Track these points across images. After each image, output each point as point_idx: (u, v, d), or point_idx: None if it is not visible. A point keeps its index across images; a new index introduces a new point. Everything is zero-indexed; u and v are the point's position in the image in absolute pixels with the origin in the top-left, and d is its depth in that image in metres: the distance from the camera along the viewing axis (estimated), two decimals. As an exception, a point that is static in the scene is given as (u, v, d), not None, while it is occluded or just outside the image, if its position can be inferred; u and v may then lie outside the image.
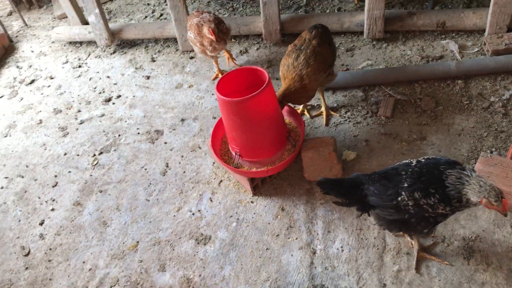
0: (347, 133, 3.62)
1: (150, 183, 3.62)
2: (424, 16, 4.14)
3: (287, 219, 3.19)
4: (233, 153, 3.33)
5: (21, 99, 4.64)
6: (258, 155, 3.24)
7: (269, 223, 3.19)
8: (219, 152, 3.43)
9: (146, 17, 5.33)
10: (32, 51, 5.25)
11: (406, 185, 2.41)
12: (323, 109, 3.77)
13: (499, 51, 3.88)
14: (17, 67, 5.06)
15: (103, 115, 4.26)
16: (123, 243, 3.27)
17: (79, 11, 5.20)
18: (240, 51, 4.60)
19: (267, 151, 3.23)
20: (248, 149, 3.22)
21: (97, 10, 4.65)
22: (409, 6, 4.61)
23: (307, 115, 3.83)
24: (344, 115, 3.76)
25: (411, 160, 2.54)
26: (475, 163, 3.12)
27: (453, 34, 4.23)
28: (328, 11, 4.78)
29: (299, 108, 3.82)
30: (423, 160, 2.49)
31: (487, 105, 3.58)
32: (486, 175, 2.90)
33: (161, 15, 5.31)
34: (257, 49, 4.57)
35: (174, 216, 3.37)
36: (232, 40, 4.73)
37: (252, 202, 3.33)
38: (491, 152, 3.25)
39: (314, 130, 3.71)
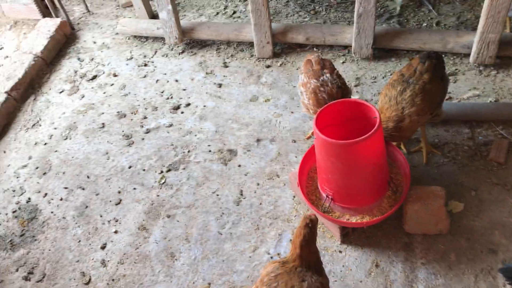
0: (452, 178, 3.15)
1: (223, 213, 3.26)
2: (546, 43, 3.57)
3: (382, 278, 2.78)
4: (324, 195, 2.92)
5: (82, 97, 4.34)
6: (354, 201, 2.82)
7: (361, 281, 2.79)
8: (305, 190, 3.03)
9: (217, 13, 4.91)
10: (94, 42, 4.92)
11: None
12: (422, 144, 3.30)
13: None
14: (78, 59, 4.75)
15: (171, 125, 3.91)
16: (193, 282, 2.94)
17: (147, 2, 4.85)
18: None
19: (366, 198, 2.81)
20: (344, 193, 2.81)
21: (170, 7, 4.25)
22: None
23: (403, 149, 3.37)
24: (448, 155, 3.29)
25: None
26: None
27: None
28: (425, 24, 4.24)
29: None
30: None
31: None
32: None
33: (234, 12, 4.87)
34: (343, 62, 4.10)
35: (250, 257, 3.01)
36: (314, 49, 4.27)
37: (340, 251, 2.93)
38: None
39: (412, 169, 3.24)
